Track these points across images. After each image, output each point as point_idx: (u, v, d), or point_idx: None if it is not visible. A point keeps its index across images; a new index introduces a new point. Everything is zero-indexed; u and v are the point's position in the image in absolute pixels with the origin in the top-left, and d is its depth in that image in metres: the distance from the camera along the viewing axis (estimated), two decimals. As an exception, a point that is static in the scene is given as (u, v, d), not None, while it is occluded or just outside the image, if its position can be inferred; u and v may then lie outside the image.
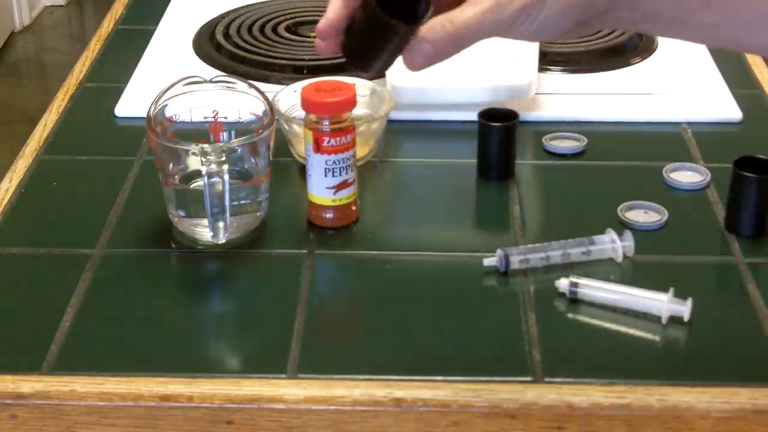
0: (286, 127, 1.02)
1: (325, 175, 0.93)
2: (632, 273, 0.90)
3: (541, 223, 0.97)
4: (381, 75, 0.72)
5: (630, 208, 0.97)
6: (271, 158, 0.93)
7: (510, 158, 1.03)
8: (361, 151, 1.00)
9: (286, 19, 1.34)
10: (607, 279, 0.87)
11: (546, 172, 1.06)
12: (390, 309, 0.86)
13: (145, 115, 0.92)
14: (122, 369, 0.79)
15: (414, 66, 0.68)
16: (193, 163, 0.91)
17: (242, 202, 0.93)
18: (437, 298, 0.87)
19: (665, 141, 1.10)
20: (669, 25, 0.69)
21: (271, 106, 0.94)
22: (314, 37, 1.28)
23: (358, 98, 0.94)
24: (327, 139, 0.92)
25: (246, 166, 0.94)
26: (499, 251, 0.89)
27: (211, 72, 1.18)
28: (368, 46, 0.69)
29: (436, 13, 0.67)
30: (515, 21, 0.66)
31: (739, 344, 0.83)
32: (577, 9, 0.67)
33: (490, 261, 0.89)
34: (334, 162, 0.93)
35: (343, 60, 1.22)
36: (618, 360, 0.80)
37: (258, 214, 0.95)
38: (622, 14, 0.68)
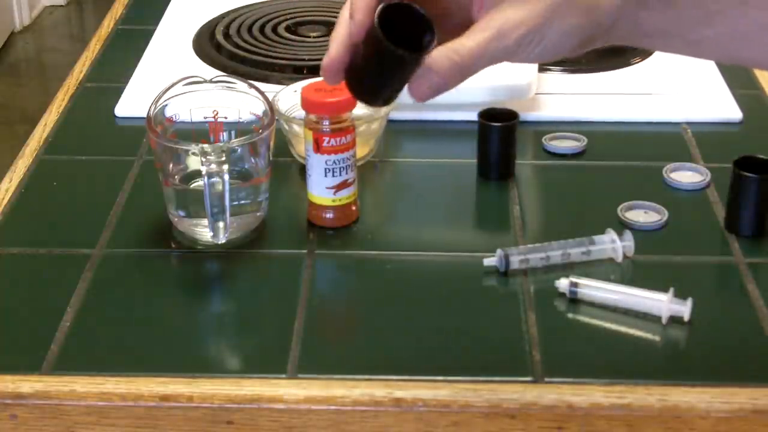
0: (286, 127, 1.02)
1: (325, 175, 0.93)
2: (632, 273, 0.90)
3: (541, 223, 0.97)
4: (386, 105, 0.72)
5: (630, 208, 0.97)
6: (271, 158, 0.93)
7: (510, 158, 1.03)
8: (361, 151, 1.00)
9: (286, 19, 1.34)
10: (607, 279, 0.87)
11: (546, 172, 1.06)
12: (390, 309, 0.86)
13: (145, 115, 0.92)
14: (122, 369, 0.79)
15: (421, 96, 0.68)
16: (193, 163, 0.91)
17: (242, 202, 0.93)
18: (437, 298, 0.87)
19: (665, 141, 1.10)
20: (669, 41, 0.69)
21: (271, 106, 0.94)
22: (315, 36, 1.30)
23: (358, 98, 0.94)
24: (327, 139, 0.92)
25: (246, 166, 0.94)
26: (499, 251, 0.89)
27: (211, 72, 1.18)
28: (373, 78, 0.69)
29: (440, 38, 0.67)
30: (519, 46, 0.66)
31: (739, 344, 0.82)
32: (580, 29, 0.67)
33: (490, 261, 0.89)
34: (334, 162, 0.93)
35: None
36: (618, 360, 0.80)
37: (258, 214, 0.95)
38: (623, 32, 0.68)
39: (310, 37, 1.30)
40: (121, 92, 1.18)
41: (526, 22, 0.66)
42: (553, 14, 0.66)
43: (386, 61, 0.66)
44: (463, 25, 0.68)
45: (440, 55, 0.66)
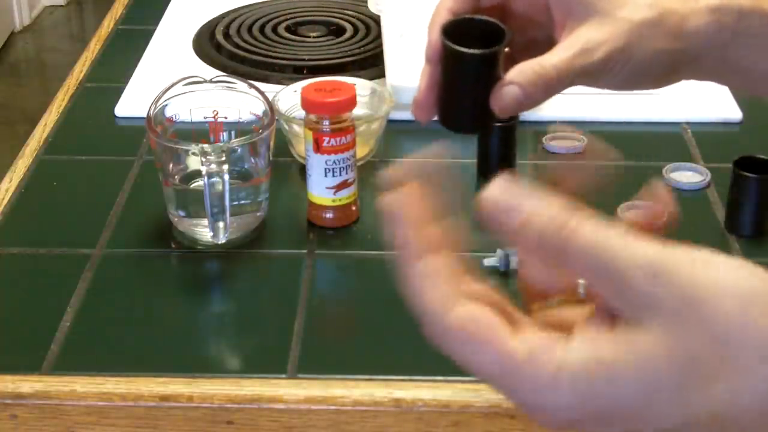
0: (286, 127, 1.02)
1: (325, 175, 0.93)
2: (632, 273, 0.90)
3: (541, 223, 0.97)
4: (477, 131, 0.70)
5: (630, 208, 0.97)
6: (271, 158, 0.93)
7: (510, 158, 1.03)
8: (361, 151, 1.00)
9: (286, 19, 1.34)
10: (607, 279, 0.87)
11: (546, 172, 1.05)
12: (390, 309, 0.86)
13: (145, 115, 0.92)
14: (122, 369, 0.79)
15: (503, 109, 0.66)
16: (193, 163, 0.91)
17: (242, 202, 0.93)
18: (437, 298, 0.87)
19: (665, 141, 1.10)
20: (760, 80, 0.68)
21: (271, 106, 0.94)
22: (315, 36, 1.30)
23: (358, 98, 0.94)
24: (327, 139, 0.92)
25: (246, 166, 0.94)
26: (499, 251, 0.89)
27: (211, 72, 1.18)
28: (451, 94, 0.68)
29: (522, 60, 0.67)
30: (603, 67, 0.66)
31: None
32: (666, 54, 0.66)
33: (490, 261, 0.89)
34: (334, 162, 0.93)
35: (342, 60, 1.23)
36: (618, 360, 0.80)
37: (258, 214, 0.95)
38: (711, 65, 0.67)
39: (310, 37, 1.30)
40: (121, 92, 1.18)
41: (610, 41, 0.65)
42: (638, 35, 0.65)
43: (456, 68, 0.66)
44: (544, 48, 0.67)
45: (524, 67, 0.65)
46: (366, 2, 1.28)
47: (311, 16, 1.35)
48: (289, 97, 1.03)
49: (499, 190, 0.49)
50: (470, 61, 0.65)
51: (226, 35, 1.30)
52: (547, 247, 0.47)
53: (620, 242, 0.46)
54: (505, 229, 0.49)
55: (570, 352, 0.46)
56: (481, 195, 0.49)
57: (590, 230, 0.47)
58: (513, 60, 0.67)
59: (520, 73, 0.65)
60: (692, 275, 0.45)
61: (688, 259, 0.46)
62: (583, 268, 0.47)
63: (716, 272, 0.45)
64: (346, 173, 0.94)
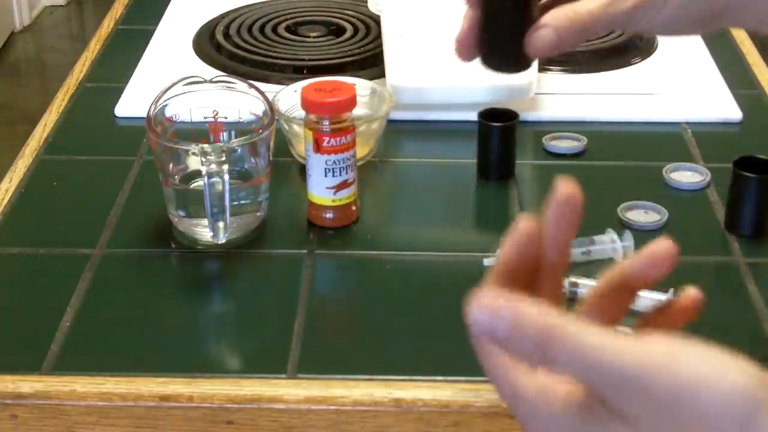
0: (286, 127, 1.02)
1: (325, 175, 0.93)
2: (632, 273, 0.90)
3: (541, 223, 0.97)
4: (514, 70, 0.75)
5: (630, 208, 0.97)
6: (271, 158, 0.93)
7: (510, 158, 1.03)
8: (361, 151, 1.00)
9: (286, 19, 1.34)
10: (607, 279, 0.87)
11: (546, 172, 1.06)
12: (390, 309, 0.86)
13: (145, 115, 0.92)
14: (122, 369, 0.79)
15: (536, 51, 0.70)
16: (193, 163, 0.91)
17: (242, 202, 0.93)
18: (437, 298, 0.87)
19: (665, 141, 1.10)
20: None
21: (271, 106, 0.94)
22: (315, 36, 1.30)
23: (358, 98, 0.94)
24: (327, 139, 0.92)
25: (246, 166, 0.94)
26: (499, 251, 0.89)
27: (211, 72, 1.18)
28: (490, 33, 0.72)
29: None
30: (634, 15, 0.69)
31: (739, 344, 0.82)
32: (701, 5, 0.69)
33: (490, 261, 0.89)
34: (334, 162, 0.93)
35: (342, 60, 1.23)
36: (618, 360, 0.80)
37: (258, 214, 0.95)
38: (746, 11, 0.69)
39: (310, 37, 1.30)
40: (121, 92, 1.18)
41: None
42: None
43: (491, 10, 0.70)
44: None
45: (558, 12, 0.69)
46: (366, 2, 1.28)
47: (311, 16, 1.35)
48: (289, 97, 1.03)
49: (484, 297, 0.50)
50: (505, 4, 0.69)
51: (226, 35, 1.30)
52: (535, 345, 0.48)
53: (600, 347, 0.48)
54: (495, 330, 0.49)
55: (564, 407, 0.49)
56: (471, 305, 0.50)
57: (577, 332, 0.48)
58: (550, 7, 0.70)
59: (554, 18, 0.69)
60: (670, 385, 0.47)
61: (667, 364, 0.49)
62: (570, 368, 0.48)
63: (696, 376, 0.49)
64: (346, 173, 0.94)
